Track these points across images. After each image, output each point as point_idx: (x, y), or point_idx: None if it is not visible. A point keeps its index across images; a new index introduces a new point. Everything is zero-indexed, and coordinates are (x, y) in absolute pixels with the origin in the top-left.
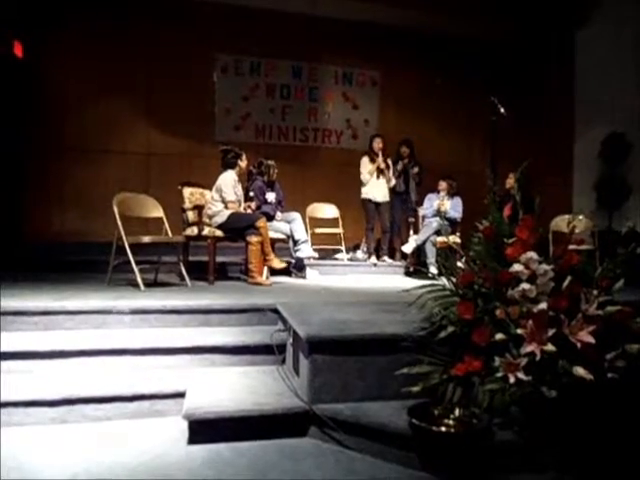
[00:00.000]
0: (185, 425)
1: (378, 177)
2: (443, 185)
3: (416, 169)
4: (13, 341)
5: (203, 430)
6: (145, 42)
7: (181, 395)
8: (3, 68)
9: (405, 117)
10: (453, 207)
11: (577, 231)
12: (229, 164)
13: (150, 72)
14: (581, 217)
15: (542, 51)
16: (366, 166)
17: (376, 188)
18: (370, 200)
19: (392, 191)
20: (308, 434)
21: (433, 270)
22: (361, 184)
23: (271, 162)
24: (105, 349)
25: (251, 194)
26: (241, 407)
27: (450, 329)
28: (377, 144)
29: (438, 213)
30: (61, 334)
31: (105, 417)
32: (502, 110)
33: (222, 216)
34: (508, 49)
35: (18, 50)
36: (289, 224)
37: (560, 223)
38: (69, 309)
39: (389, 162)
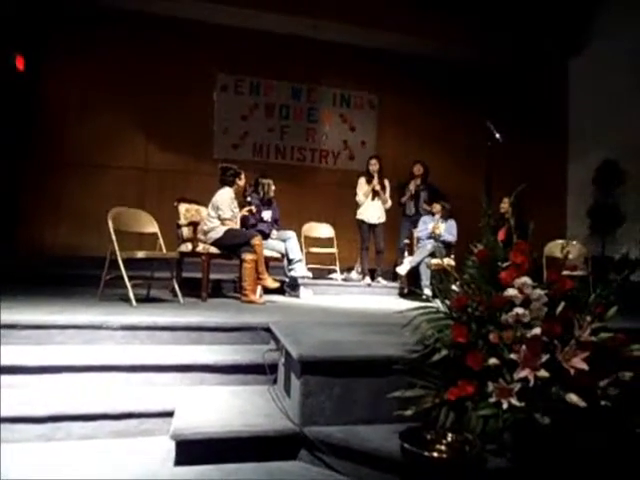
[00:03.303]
0: (173, 445)
1: (373, 199)
2: (437, 208)
3: (422, 188)
4: (3, 355)
5: (191, 451)
6: (146, 59)
7: (169, 414)
8: (4, 81)
9: (402, 140)
10: (448, 230)
11: (571, 257)
12: (227, 182)
13: (150, 89)
14: (575, 243)
15: (537, 78)
16: (362, 187)
17: (371, 209)
18: (364, 221)
19: (402, 213)
20: (298, 457)
21: (427, 292)
22: (357, 205)
23: (266, 180)
24: (94, 365)
25: (248, 199)
26: (230, 428)
27: (444, 352)
28: (372, 166)
29: (432, 236)
30: (51, 349)
31: (91, 435)
32: (497, 135)
33: (218, 232)
34: (504, 75)
35: (20, 63)
36: (284, 243)
37: (554, 248)
38: (60, 323)
39: (386, 183)
